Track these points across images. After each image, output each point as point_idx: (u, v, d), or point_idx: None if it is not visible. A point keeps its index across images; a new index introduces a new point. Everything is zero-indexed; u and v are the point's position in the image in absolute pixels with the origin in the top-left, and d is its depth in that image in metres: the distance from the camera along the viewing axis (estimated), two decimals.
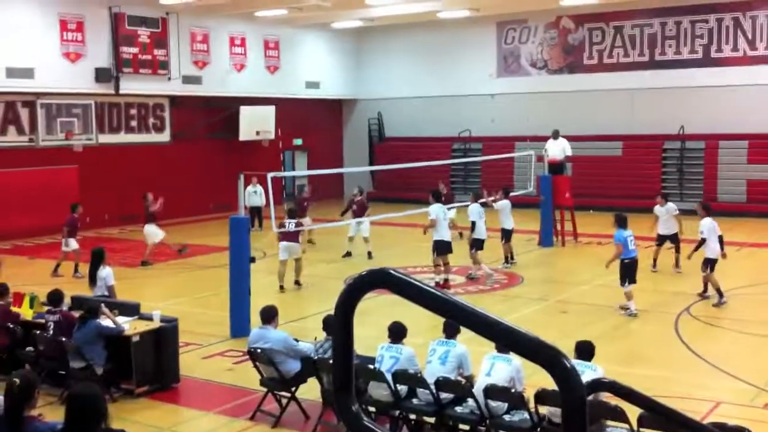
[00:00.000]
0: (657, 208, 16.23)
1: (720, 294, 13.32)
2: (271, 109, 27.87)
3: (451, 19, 28.11)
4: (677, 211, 16.15)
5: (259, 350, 8.57)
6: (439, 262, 14.99)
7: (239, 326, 11.58)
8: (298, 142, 30.64)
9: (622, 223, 13.10)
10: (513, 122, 28.49)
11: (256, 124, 27.40)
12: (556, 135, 21.14)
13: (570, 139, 21.71)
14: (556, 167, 20.83)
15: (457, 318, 1.86)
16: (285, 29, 28.84)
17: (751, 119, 24.94)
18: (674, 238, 15.99)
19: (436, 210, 14.82)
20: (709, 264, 13.39)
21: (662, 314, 12.91)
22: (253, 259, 12.17)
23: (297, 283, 15.22)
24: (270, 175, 13.55)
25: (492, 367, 7.55)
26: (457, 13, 27.15)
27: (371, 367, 7.88)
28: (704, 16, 25.82)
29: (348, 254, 18.37)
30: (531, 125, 25.96)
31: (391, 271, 1.89)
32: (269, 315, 8.85)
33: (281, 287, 14.84)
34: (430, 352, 8.03)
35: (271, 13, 25.87)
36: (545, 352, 1.73)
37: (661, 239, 16.16)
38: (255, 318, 9.59)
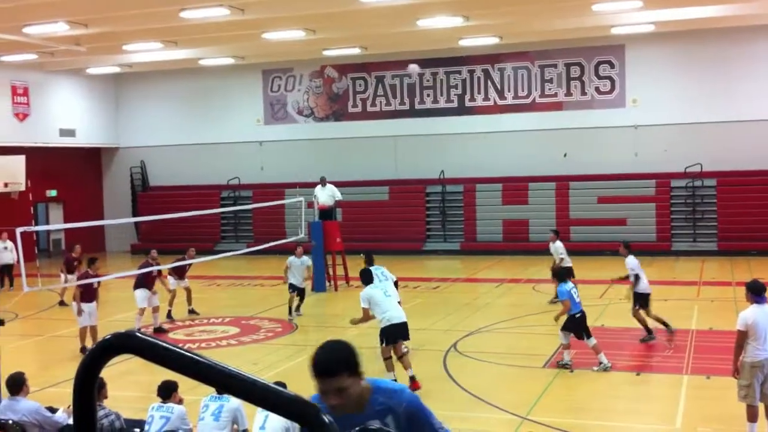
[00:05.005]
0: (292, 259, 16.71)
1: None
2: (20, 159, 25.80)
3: (214, 66, 27.82)
4: (310, 262, 17.31)
5: (9, 422, 7.71)
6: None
7: None
8: (53, 193, 28.73)
9: (562, 277, 12.30)
10: (282, 169, 28.59)
11: (3, 175, 25.24)
12: (323, 182, 21.53)
13: (338, 185, 22.11)
14: (326, 213, 21.13)
15: (208, 380, 1.69)
16: (35, 74, 27.07)
17: (503, 163, 26.76)
18: (302, 291, 16.78)
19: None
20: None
21: (431, 351, 13.27)
22: (1, 322, 11.06)
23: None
24: (20, 230, 12.51)
25: (266, 419, 7.28)
26: (221, 61, 26.90)
27: (136, 430, 7.33)
28: (457, 68, 27.50)
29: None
30: (300, 172, 26.18)
31: (135, 334, 1.72)
32: (17, 384, 7.99)
33: None
34: (203, 408, 7.65)
35: (19, 57, 24.18)
36: (305, 410, 1.63)
37: (292, 287, 16.52)
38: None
